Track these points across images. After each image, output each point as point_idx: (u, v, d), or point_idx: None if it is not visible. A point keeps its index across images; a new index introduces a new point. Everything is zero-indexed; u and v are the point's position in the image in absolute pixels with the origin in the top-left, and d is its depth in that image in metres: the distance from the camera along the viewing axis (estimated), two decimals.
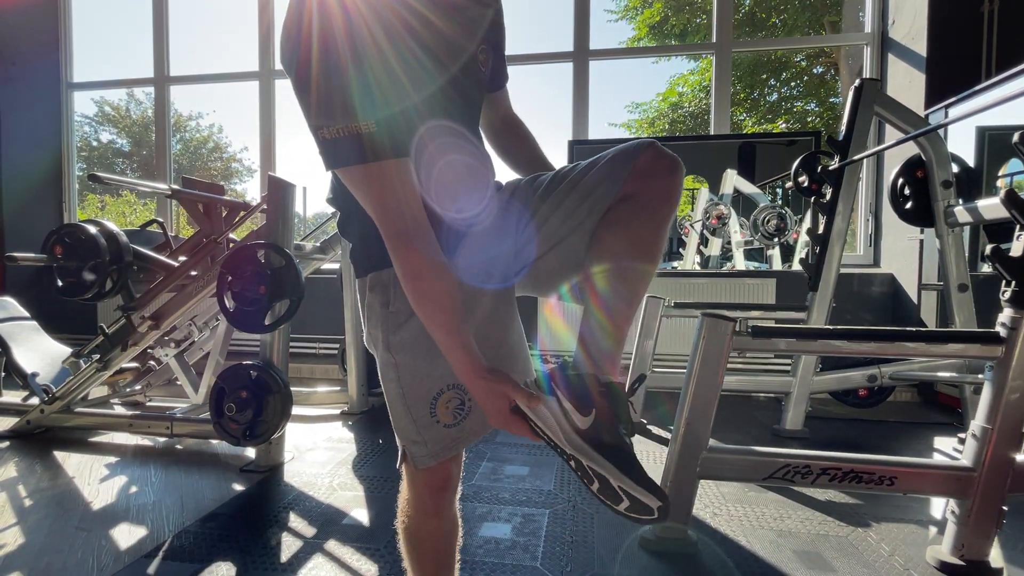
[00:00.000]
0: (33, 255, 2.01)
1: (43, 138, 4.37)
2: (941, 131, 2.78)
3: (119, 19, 13.18)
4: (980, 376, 2.18)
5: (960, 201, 2.30)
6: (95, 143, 14.07)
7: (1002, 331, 1.30)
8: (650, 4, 7.31)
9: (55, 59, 4.40)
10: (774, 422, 2.51)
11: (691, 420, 1.37)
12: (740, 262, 4.33)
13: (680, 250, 4.58)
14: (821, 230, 2.38)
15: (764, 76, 7.90)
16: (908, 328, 1.31)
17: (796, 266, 4.08)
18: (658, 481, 0.83)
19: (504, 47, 0.90)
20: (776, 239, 4.17)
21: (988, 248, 1.30)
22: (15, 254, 2.00)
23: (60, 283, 2.12)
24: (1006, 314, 1.30)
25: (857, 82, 2.33)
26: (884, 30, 3.43)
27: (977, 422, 1.32)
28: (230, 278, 1.94)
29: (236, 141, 15.16)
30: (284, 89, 4.19)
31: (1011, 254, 1.30)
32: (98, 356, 2.25)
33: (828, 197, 2.37)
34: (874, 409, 2.68)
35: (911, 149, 2.46)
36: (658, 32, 7.46)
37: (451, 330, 0.69)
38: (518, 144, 0.96)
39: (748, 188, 4.25)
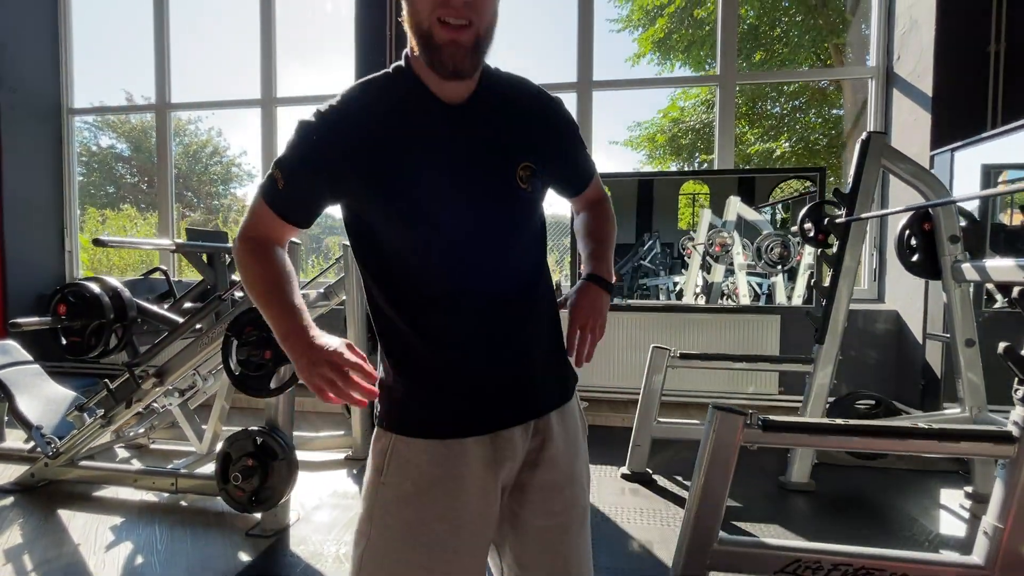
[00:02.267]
0: (37, 319, 2.00)
1: (44, 164, 4.36)
2: (947, 178, 2.77)
3: (120, 38, 13.16)
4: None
5: (967, 255, 2.29)
6: (95, 148, 14.03)
7: (1014, 430, 1.29)
8: (653, 21, 7.28)
9: (56, 85, 4.39)
10: (780, 471, 2.50)
11: (701, 514, 1.36)
12: (742, 283, 4.32)
13: (683, 270, 4.57)
14: (827, 282, 2.37)
15: (766, 89, 7.88)
16: (920, 426, 1.31)
17: (798, 291, 4.06)
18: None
19: (570, 150, 0.90)
20: (779, 267, 4.16)
21: (1001, 346, 1.30)
22: (19, 320, 1.99)
23: (64, 342, 2.11)
24: (1017, 413, 1.30)
25: (864, 135, 2.31)
26: (889, 65, 3.42)
27: (989, 519, 1.32)
28: (235, 342, 1.94)
29: (235, 143, 15.08)
30: (285, 115, 4.18)
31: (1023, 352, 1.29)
32: (102, 412, 2.24)
33: (835, 249, 2.36)
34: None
35: (917, 194, 2.44)
36: (662, 47, 7.43)
37: (271, 301, 0.77)
38: (580, 236, 1.00)
39: (751, 215, 4.25)
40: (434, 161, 0.74)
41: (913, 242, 2.41)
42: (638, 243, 4.28)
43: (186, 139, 15.01)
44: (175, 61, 4.29)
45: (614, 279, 0.93)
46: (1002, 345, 1.30)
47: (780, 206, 4.41)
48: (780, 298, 4.08)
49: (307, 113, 0.78)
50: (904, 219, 2.42)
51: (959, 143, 2.74)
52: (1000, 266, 2.04)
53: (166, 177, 4.29)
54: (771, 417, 1.38)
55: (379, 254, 0.78)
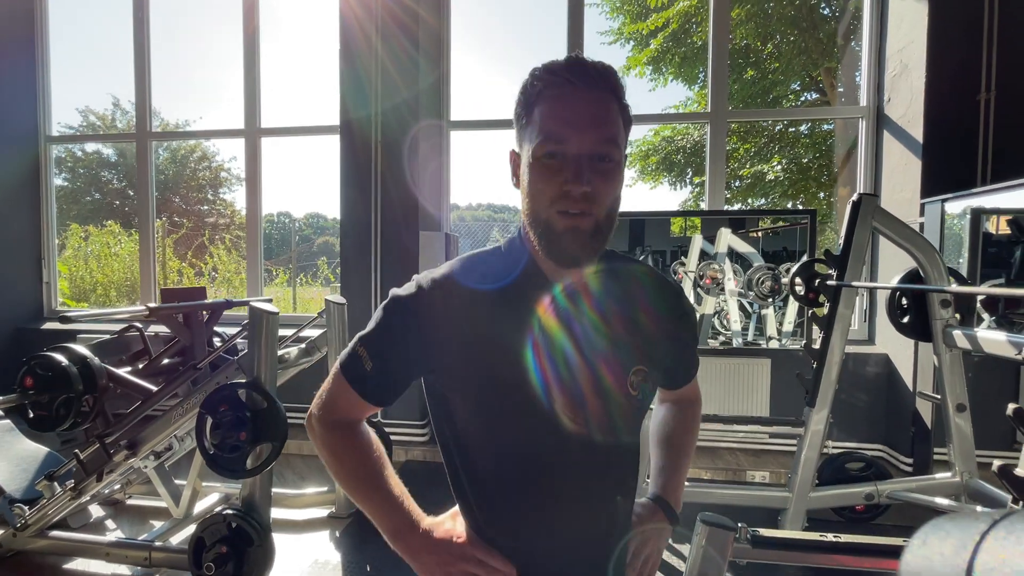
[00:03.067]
0: (2, 398, 1.92)
1: (20, 192, 4.24)
2: (937, 228, 2.75)
3: (107, 41, 12.93)
4: (978, 507, 2.16)
5: (958, 318, 2.27)
6: (80, 153, 13.81)
7: None
8: (647, 42, 7.23)
9: (32, 112, 4.27)
10: (771, 523, 2.46)
11: None
12: (733, 310, 4.30)
13: None
14: (818, 345, 2.34)
15: (757, 102, 7.86)
16: None
17: (789, 318, 4.04)
18: None
19: (683, 348, 0.83)
20: (770, 300, 4.14)
21: (996, 467, 1.26)
22: None
23: (32, 415, 2.03)
24: None
25: (855, 196, 2.28)
26: (879, 104, 3.39)
27: None
28: (210, 420, 1.87)
29: (225, 148, 14.90)
30: (269, 144, 4.09)
31: (1017, 472, 1.26)
32: (72, 484, 2.16)
33: (826, 311, 2.33)
34: None
35: (907, 256, 2.41)
36: (654, 62, 7.40)
37: (371, 494, 0.72)
38: (657, 437, 0.93)
39: (742, 247, 4.24)
40: (544, 353, 0.68)
41: (904, 303, 2.38)
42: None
43: (173, 143, 14.84)
44: (159, 72, 4.17)
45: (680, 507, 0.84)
46: (996, 464, 1.26)
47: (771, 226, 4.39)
48: (771, 327, 4.08)
49: (401, 285, 0.72)
50: (895, 280, 2.39)
51: (950, 195, 2.72)
52: (992, 339, 2.01)
53: (147, 206, 4.18)
54: (761, 532, 1.33)
55: (459, 440, 0.72)
